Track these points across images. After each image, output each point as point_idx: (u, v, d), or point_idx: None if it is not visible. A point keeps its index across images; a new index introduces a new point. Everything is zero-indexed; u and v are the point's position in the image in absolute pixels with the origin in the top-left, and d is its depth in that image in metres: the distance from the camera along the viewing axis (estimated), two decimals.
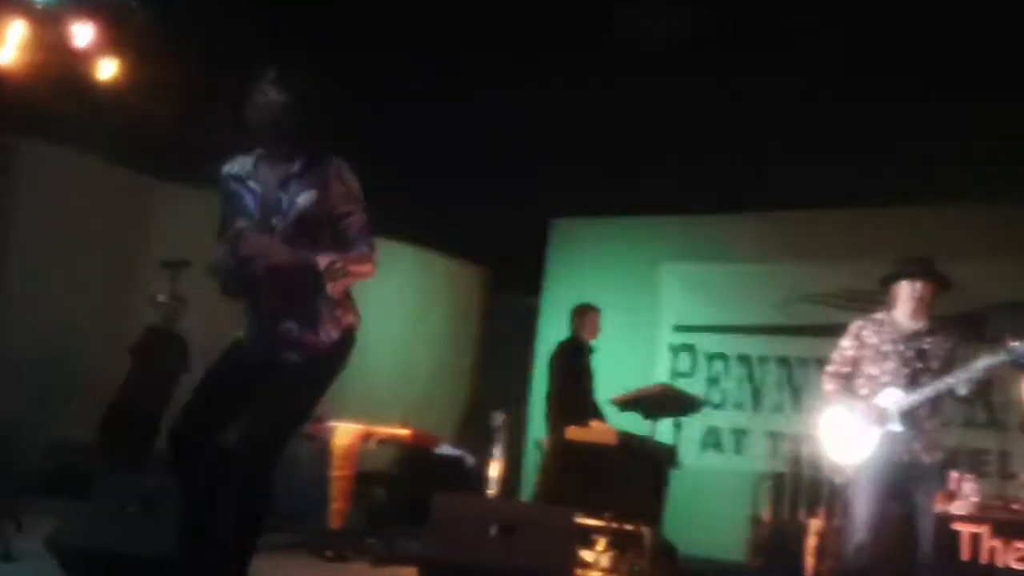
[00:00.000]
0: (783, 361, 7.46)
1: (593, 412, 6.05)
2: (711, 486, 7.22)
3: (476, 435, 6.75)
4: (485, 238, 8.02)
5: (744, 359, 7.61)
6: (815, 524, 5.18)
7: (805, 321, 7.30)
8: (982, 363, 3.77)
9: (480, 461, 6.24)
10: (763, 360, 7.53)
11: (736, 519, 6.67)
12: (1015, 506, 4.83)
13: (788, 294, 7.38)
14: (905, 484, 3.87)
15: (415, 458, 5.79)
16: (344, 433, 5.42)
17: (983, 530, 4.42)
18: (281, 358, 3.05)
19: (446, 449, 6.06)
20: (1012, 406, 5.50)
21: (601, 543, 5.50)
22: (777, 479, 5.75)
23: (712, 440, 7.56)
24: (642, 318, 7.73)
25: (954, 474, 4.93)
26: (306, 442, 5.71)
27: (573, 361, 6.25)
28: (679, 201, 7.41)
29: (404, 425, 5.68)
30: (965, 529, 4.46)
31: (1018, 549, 4.34)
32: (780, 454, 6.68)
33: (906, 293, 4.02)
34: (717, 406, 7.60)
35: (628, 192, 7.43)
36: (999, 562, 4.37)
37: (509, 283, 8.68)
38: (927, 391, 3.83)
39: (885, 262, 4.84)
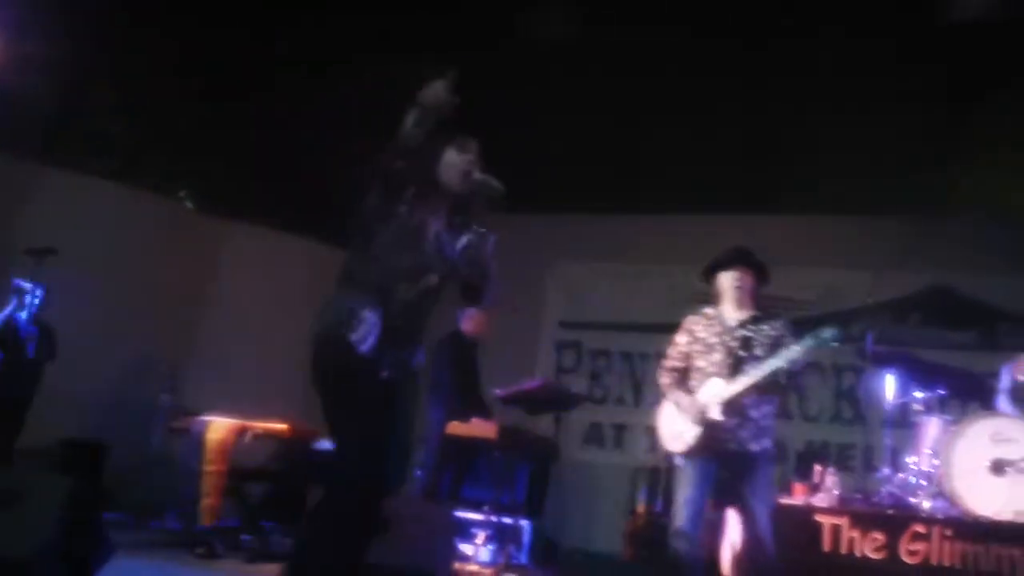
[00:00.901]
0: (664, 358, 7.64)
1: (477, 407, 6.07)
2: (592, 480, 7.37)
3: None
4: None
5: (627, 356, 7.77)
6: None
7: (681, 319, 7.49)
8: (794, 348, 3.89)
9: None
10: (644, 357, 7.69)
11: (615, 512, 6.83)
12: (875, 499, 5.06)
13: (671, 293, 7.55)
14: (733, 474, 3.97)
15: (293, 453, 5.68)
16: (218, 428, 5.29)
17: (843, 521, 4.59)
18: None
19: (326, 444, 5.97)
20: (876, 403, 5.73)
21: (480, 537, 5.52)
22: (652, 472, 5.88)
23: (594, 435, 7.70)
24: (528, 314, 7.80)
25: (818, 467, 5.13)
26: (179, 436, 5.56)
27: (456, 356, 6.26)
28: (568, 200, 7.51)
29: (283, 419, 5.58)
30: (826, 520, 4.62)
31: (875, 539, 4.53)
32: (659, 448, 6.84)
33: (727, 284, 4.17)
34: (599, 401, 7.76)
35: (517, 189, 7.46)
36: (857, 552, 4.54)
37: None
38: (747, 379, 3.93)
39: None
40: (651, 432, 7.44)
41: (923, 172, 6.40)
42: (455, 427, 5.69)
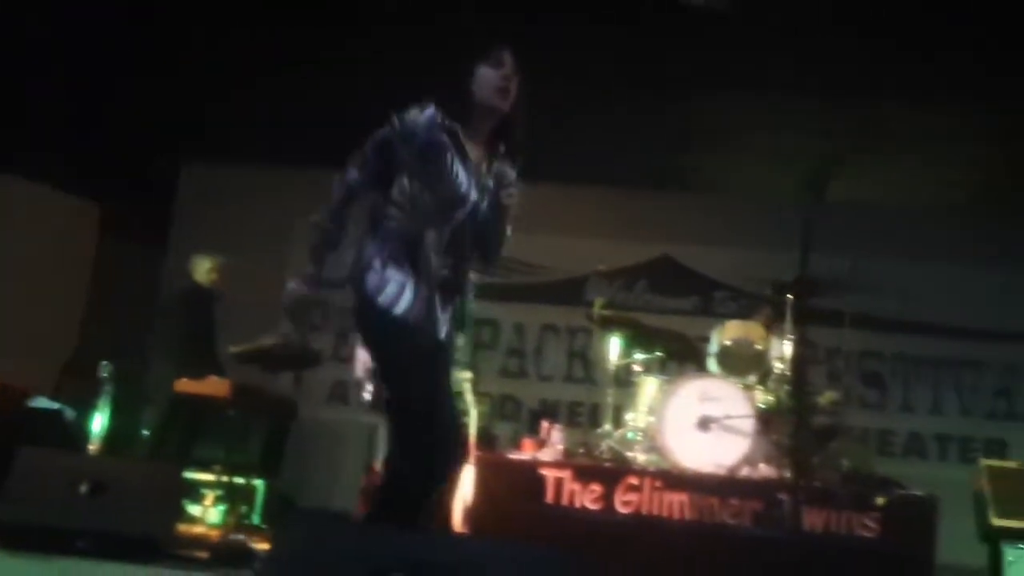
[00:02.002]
0: None
1: (213, 365, 5.86)
2: (335, 438, 7.33)
3: (81, 387, 6.27)
4: (106, 178, 7.42)
5: None
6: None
7: None
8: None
9: (82, 415, 5.81)
10: None
11: (356, 469, 6.84)
12: (596, 453, 5.38)
13: None
14: None
15: (3, 412, 5.23)
16: None
17: (565, 474, 4.86)
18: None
19: (41, 402, 5.56)
20: (603, 363, 6.07)
21: (210, 498, 5.37)
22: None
23: (339, 392, 7.67)
24: (274, 271, 7.58)
25: (545, 424, 5.39)
26: None
27: (194, 311, 6.01)
28: (318, 153, 7.33)
29: None
30: (550, 474, 4.87)
31: (593, 491, 4.83)
32: None
33: None
34: (345, 359, 7.71)
35: (266, 142, 7.23)
36: (577, 503, 4.83)
37: (130, 227, 8.11)
38: None
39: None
40: None
41: (654, 151, 6.83)
42: (185, 384, 5.47)
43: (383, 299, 2.85)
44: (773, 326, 5.35)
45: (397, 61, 6.55)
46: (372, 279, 2.87)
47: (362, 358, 4.44)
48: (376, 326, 2.91)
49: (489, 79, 2.94)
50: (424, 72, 3.09)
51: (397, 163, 2.94)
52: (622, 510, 4.79)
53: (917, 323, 7.21)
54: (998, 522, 4.85)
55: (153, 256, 7.88)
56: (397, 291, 2.86)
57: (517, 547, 2.31)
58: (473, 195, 2.93)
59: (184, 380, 5.49)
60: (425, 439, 2.81)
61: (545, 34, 6.01)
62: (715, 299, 7.35)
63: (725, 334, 5.46)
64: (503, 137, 3.00)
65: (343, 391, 7.65)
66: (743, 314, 6.08)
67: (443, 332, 2.93)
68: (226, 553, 4.66)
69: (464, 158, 2.93)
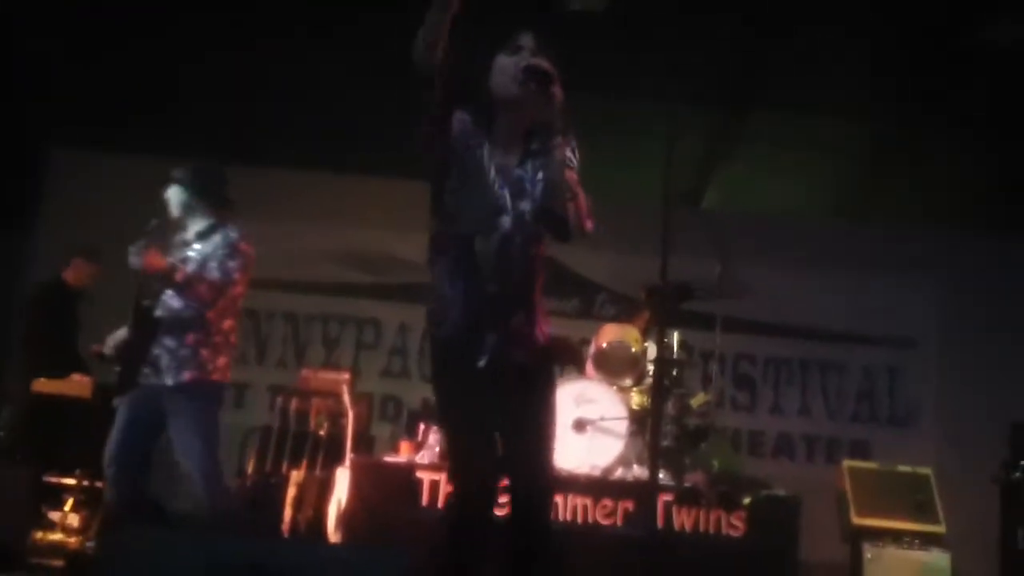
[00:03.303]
0: (290, 316, 7.58)
1: (74, 363, 5.60)
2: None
3: None
4: None
5: (252, 313, 7.56)
6: (296, 476, 5.30)
7: (314, 279, 7.47)
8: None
9: None
10: (270, 316, 7.57)
11: (229, 474, 6.64)
12: None
13: (298, 252, 7.46)
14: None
15: None
16: None
17: (441, 478, 4.82)
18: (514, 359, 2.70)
19: None
20: None
21: (70, 503, 5.13)
22: (264, 432, 5.80)
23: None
24: None
25: (422, 425, 5.35)
26: None
27: (55, 307, 5.74)
28: (194, 145, 7.12)
29: None
30: (426, 477, 4.82)
31: None
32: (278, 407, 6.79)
33: None
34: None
35: (143, 130, 6.98)
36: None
37: None
38: None
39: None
40: (274, 392, 7.44)
41: None
42: (43, 384, 5.22)
43: (430, 316, 2.76)
44: (648, 329, 5.45)
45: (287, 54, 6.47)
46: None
47: (117, 335, 4.32)
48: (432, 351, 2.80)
49: (507, 68, 2.72)
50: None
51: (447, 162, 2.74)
52: (498, 512, 4.77)
53: (786, 327, 7.46)
54: (858, 521, 5.05)
55: (15, 247, 7.49)
56: (444, 310, 2.73)
57: (362, 551, 2.27)
58: (510, 202, 2.73)
59: (43, 380, 5.24)
60: (459, 462, 2.75)
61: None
62: (596, 302, 7.44)
63: (602, 337, 5.53)
64: (548, 129, 2.72)
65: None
66: (622, 317, 6.16)
67: (486, 359, 2.69)
68: (82, 561, 4.48)
69: (496, 168, 2.73)
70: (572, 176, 2.75)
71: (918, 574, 4.89)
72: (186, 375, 3.92)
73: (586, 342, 5.85)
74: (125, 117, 6.95)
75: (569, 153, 2.79)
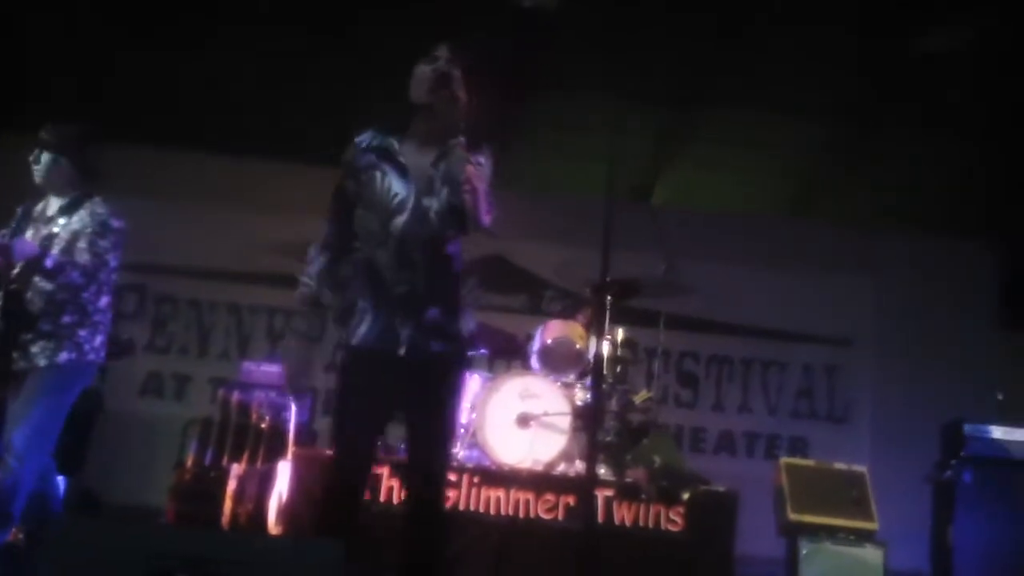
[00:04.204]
0: (234, 308, 7.49)
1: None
2: (148, 432, 7.00)
3: None
4: None
5: (194, 303, 7.47)
6: (237, 469, 5.25)
7: (259, 270, 7.38)
8: None
9: None
10: (214, 306, 7.47)
11: (168, 465, 6.55)
12: None
13: (243, 241, 7.37)
14: None
15: None
16: None
17: (383, 471, 4.79)
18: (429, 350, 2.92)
19: None
20: None
21: None
22: (205, 424, 5.72)
23: (154, 385, 7.34)
24: None
25: None
26: None
27: None
28: (137, 132, 7.00)
29: None
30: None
31: None
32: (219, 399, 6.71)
33: None
34: (162, 351, 7.40)
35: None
36: (394, 499, 4.78)
37: None
38: None
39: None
40: (216, 384, 7.34)
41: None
42: None
43: (349, 329, 2.99)
44: (593, 325, 5.48)
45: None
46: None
47: None
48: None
49: (423, 76, 2.96)
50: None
51: (351, 198, 3.05)
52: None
53: (730, 325, 7.55)
54: (795, 517, 5.13)
55: None
56: (358, 321, 2.98)
57: (299, 543, 2.26)
58: (412, 200, 2.96)
59: None
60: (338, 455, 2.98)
61: (372, 29, 5.98)
62: (544, 298, 7.47)
63: (547, 333, 5.55)
64: (456, 131, 2.95)
65: (158, 384, 7.32)
66: (568, 313, 6.19)
67: (404, 348, 2.93)
68: (13, 553, 4.36)
69: (400, 168, 2.99)
70: (472, 171, 2.91)
71: (852, 569, 4.99)
72: (62, 356, 3.84)
73: (532, 338, 5.86)
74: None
75: (483, 158, 3.02)
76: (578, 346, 5.40)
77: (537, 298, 7.50)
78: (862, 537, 5.07)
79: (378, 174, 2.99)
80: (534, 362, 5.59)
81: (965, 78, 6.31)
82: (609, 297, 5.31)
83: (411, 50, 3.07)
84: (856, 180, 7.47)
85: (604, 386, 5.26)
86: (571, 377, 5.41)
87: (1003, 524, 5.46)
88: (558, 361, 5.45)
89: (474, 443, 5.16)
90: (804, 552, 4.98)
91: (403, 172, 3.00)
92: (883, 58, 6.37)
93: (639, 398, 5.39)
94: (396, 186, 2.98)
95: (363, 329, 2.95)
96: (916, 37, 6.08)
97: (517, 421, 5.07)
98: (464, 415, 5.35)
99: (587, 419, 5.11)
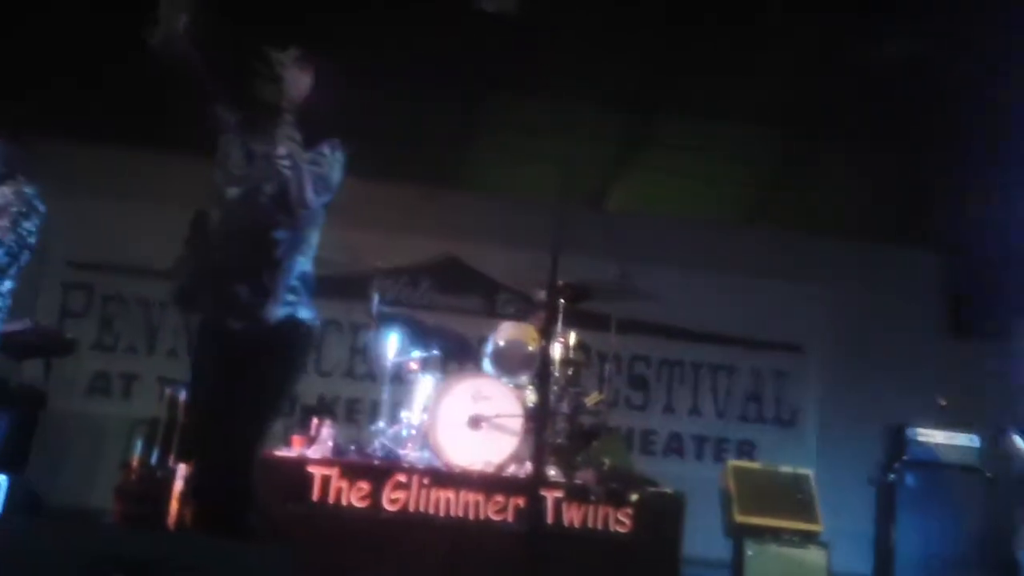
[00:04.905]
0: None
1: None
2: (94, 432, 6.90)
3: None
4: None
5: (143, 302, 7.36)
6: (184, 469, 5.17)
7: None
8: None
9: None
10: (163, 305, 7.37)
11: (114, 465, 6.46)
12: (368, 450, 5.32)
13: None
14: None
15: None
16: None
17: (333, 472, 4.77)
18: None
19: None
20: (382, 360, 6.01)
21: None
22: (152, 424, 5.64)
23: (101, 384, 7.22)
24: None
25: (315, 420, 5.28)
26: None
27: None
28: (82, 129, 6.89)
29: None
30: (317, 471, 4.76)
31: (361, 488, 4.76)
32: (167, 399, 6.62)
33: None
34: (109, 349, 7.29)
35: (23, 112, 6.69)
36: (344, 501, 4.76)
37: None
38: None
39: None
40: (162, 382, 7.25)
41: (437, 147, 6.88)
42: None
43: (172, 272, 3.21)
44: (544, 328, 5.49)
45: None
46: None
47: None
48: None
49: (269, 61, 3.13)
50: None
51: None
52: (389, 508, 4.77)
53: (681, 329, 7.63)
54: (741, 519, 5.21)
55: None
56: (177, 266, 3.27)
57: (246, 546, 2.25)
58: (250, 180, 3.08)
59: None
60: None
61: (335, 29, 5.95)
62: (498, 300, 7.48)
63: (500, 335, 5.56)
64: (293, 125, 3.12)
65: (105, 383, 7.20)
66: (522, 316, 6.21)
67: (210, 319, 3.06)
68: None
69: (248, 145, 3.10)
70: (295, 150, 3.08)
71: (796, 571, 5.07)
72: None
73: (485, 340, 5.87)
74: None
75: (324, 149, 3.19)
76: (531, 348, 5.41)
77: (491, 300, 7.51)
78: (806, 539, 5.16)
79: (228, 139, 3.16)
80: (487, 364, 5.60)
81: (915, 90, 6.44)
82: (562, 300, 5.37)
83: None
84: (810, 189, 7.58)
85: (556, 388, 5.30)
86: (523, 379, 5.42)
87: (943, 526, 5.59)
88: (511, 363, 5.46)
89: (425, 444, 5.15)
90: (749, 553, 5.06)
91: (249, 150, 3.14)
92: (838, 69, 6.48)
93: (590, 400, 5.42)
94: (236, 158, 3.14)
95: (177, 282, 3.25)
96: (872, 45, 6.17)
97: (469, 423, 5.07)
98: (416, 416, 5.36)
99: (541, 419, 5.14)
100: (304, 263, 3.21)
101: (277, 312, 3.08)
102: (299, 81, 3.17)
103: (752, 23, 6.08)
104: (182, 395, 5.57)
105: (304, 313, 3.19)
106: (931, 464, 5.61)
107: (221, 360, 3.07)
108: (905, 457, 5.59)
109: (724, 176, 7.65)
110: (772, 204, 7.79)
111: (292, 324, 3.15)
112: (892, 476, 5.60)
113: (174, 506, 5.12)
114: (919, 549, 5.52)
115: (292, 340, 3.19)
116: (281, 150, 3.06)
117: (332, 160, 3.21)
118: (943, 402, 5.90)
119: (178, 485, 5.14)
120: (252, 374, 3.07)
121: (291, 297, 3.13)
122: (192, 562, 2.00)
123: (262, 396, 3.13)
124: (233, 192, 3.08)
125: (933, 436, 5.64)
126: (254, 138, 3.16)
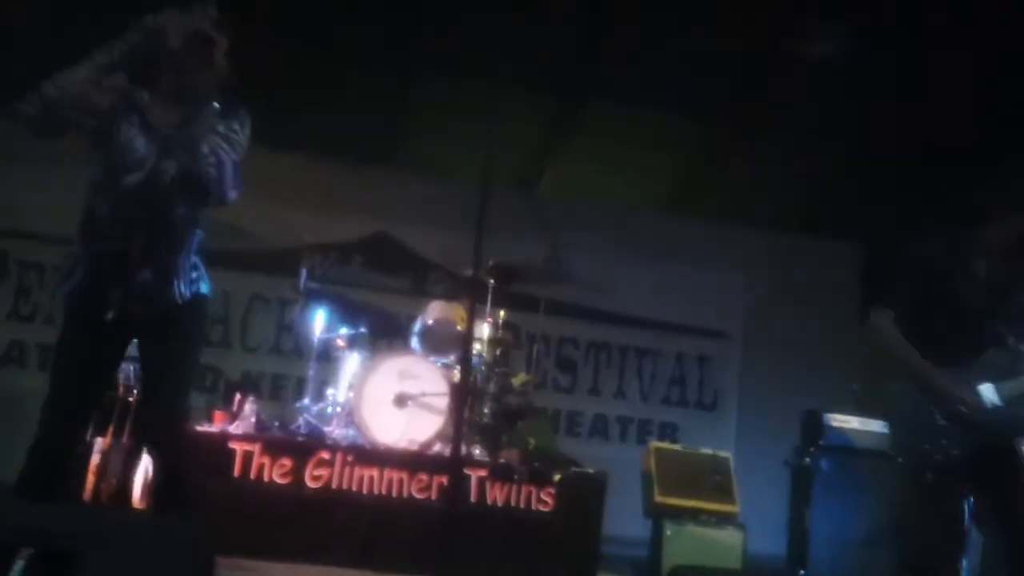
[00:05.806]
0: None
1: None
2: (9, 403, 6.67)
3: None
4: None
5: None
6: (101, 443, 5.07)
7: None
8: None
9: None
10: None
11: (29, 438, 6.28)
12: (292, 427, 5.28)
13: None
14: None
15: None
16: None
17: (255, 448, 4.72)
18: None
19: None
20: (308, 337, 5.95)
21: None
22: None
23: (16, 354, 7.05)
24: None
25: (237, 396, 5.22)
26: None
27: None
28: None
29: None
30: (239, 447, 4.71)
31: (283, 465, 4.73)
32: None
33: None
34: (27, 319, 7.09)
35: None
36: (266, 477, 4.71)
37: None
38: None
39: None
40: None
41: (375, 129, 6.82)
42: None
43: (59, 273, 2.96)
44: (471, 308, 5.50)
45: None
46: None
47: None
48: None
49: (179, 25, 2.89)
50: None
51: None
52: (311, 484, 4.75)
53: (608, 313, 7.71)
54: (661, 499, 5.30)
55: None
56: (70, 267, 2.94)
57: (157, 518, 2.22)
58: (151, 161, 2.89)
59: None
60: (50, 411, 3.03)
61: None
62: (429, 279, 7.45)
63: (428, 314, 5.56)
64: (209, 95, 2.95)
65: (20, 353, 7.00)
66: (452, 295, 6.21)
67: (110, 312, 2.88)
68: None
69: (145, 124, 2.90)
70: (219, 141, 2.90)
71: (713, 551, 5.17)
72: None
73: (414, 318, 5.86)
74: None
75: (236, 125, 2.97)
76: (460, 328, 5.42)
77: (422, 279, 7.48)
78: (724, 520, 5.27)
79: (124, 127, 2.90)
80: (415, 343, 5.59)
81: (837, 86, 6.59)
82: (492, 281, 5.39)
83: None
84: (732, 179, 7.72)
85: (483, 368, 5.32)
86: (451, 359, 5.43)
87: (856, 510, 5.74)
88: (439, 342, 5.47)
89: (351, 422, 5.13)
90: (668, 533, 5.15)
91: (147, 129, 2.91)
92: (762, 62, 6.60)
93: (517, 381, 5.45)
94: (137, 143, 2.90)
95: (72, 282, 2.93)
96: (800, 39, 6.29)
97: (395, 401, 5.07)
98: (342, 394, 5.33)
99: (462, 398, 5.15)
100: (199, 233, 3.07)
101: (184, 292, 2.99)
102: (220, 49, 2.97)
103: (680, 13, 6.15)
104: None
105: (205, 287, 3.07)
106: (845, 449, 5.75)
107: (106, 349, 3.02)
108: (821, 442, 5.72)
109: (651, 164, 7.74)
110: (697, 193, 7.91)
111: (199, 300, 3.05)
112: (808, 460, 5.74)
113: (90, 480, 5.02)
114: (832, 531, 5.66)
115: (198, 316, 3.09)
116: (205, 148, 2.88)
117: (243, 135, 3.03)
118: (856, 388, 6.05)
119: (95, 459, 5.04)
120: (166, 354, 3.01)
121: (194, 274, 3.02)
122: (101, 534, 1.97)
123: (179, 375, 3.05)
124: (131, 179, 2.88)
125: (848, 422, 5.79)
126: (156, 115, 2.95)
